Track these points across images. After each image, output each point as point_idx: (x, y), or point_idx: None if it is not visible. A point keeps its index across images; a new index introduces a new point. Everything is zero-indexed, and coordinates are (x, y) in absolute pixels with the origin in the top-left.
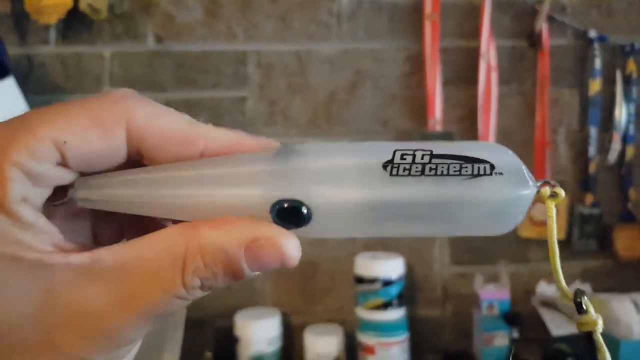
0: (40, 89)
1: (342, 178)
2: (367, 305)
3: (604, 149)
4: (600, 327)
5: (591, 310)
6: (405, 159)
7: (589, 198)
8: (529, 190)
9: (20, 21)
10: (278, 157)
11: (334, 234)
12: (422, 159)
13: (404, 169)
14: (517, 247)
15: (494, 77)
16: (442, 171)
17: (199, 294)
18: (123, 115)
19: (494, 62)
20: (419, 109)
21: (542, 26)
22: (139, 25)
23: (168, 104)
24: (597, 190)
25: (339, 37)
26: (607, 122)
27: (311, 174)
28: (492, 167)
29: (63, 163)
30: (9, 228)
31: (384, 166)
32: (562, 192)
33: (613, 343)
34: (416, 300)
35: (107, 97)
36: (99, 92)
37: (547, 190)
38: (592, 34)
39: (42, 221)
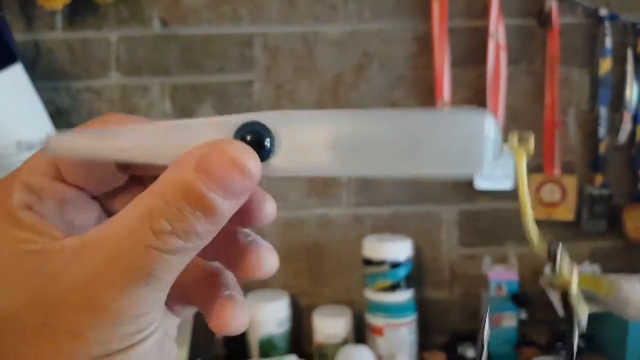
0: (48, 75)
1: (306, 114)
2: (375, 287)
3: (614, 129)
4: (575, 286)
5: (565, 266)
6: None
7: (599, 178)
8: (485, 117)
9: (27, 7)
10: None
11: (296, 170)
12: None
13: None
14: (525, 228)
15: (503, 56)
16: (401, 110)
17: (178, 243)
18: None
19: (502, 41)
20: (427, 90)
21: (552, 4)
22: (144, 9)
23: (174, 88)
24: (607, 171)
25: (345, 18)
26: (617, 102)
27: (274, 113)
28: (453, 110)
29: (59, 177)
30: (14, 230)
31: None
32: (531, 139)
33: (622, 324)
34: (424, 281)
35: (93, 120)
36: (106, 76)
37: (515, 137)
38: (603, 12)
39: (45, 224)
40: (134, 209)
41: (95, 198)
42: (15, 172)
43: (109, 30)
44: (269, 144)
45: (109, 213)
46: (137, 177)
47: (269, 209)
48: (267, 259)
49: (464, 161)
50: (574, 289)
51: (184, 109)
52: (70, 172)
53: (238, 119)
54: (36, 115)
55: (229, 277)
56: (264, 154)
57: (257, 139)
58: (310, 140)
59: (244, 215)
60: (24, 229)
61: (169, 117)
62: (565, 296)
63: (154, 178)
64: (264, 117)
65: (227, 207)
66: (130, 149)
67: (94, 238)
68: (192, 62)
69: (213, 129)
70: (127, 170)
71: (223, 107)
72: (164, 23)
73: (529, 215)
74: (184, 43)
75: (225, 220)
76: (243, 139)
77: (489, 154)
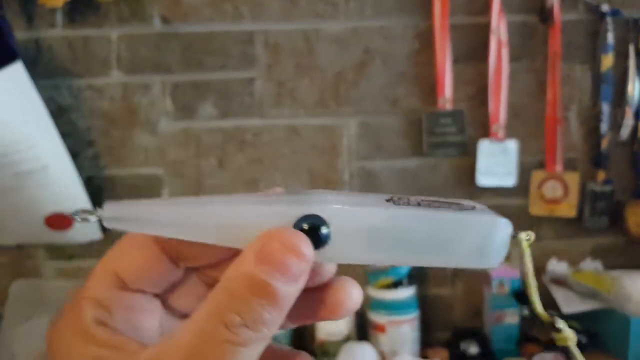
0: (49, 73)
1: (355, 202)
2: (377, 284)
3: (616, 125)
4: (574, 341)
5: (565, 328)
6: (401, 199)
7: (601, 175)
8: (506, 223)
9: (27, 5)
10: (289, 193)
11: (342, 259)
12: (414, 200)
13: (404, 203)
14: (528, 225)
15: (505, 53)
16: (435, 206)
17: (249, 334)
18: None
19: (504, 38)
20: (429, 87)
21: (554, 1)
22: (145, 7)
23: (176, 86)
24: (609, 167)
25: (346, 15)
26: (619, 98)
27: (325, 198)
28: (474, 207)
29: (122, 286)
30: (90, 347)
31: (388, 200)
32: (533, 236)
33: (624, 320)
34: (426, 278)
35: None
36: (107, 75)
37: (522, 235)
38: (605, 8)
39: (119, 338)
40: (204, 310)
41: (155, 296)
42: (83, 288)
43: (110, 28)
44: (324, 234)
45: (170, 309)
46: (192, 268)
47: (355, 297)
48: (353, 294)
49: (486, 257)
50: (574, 346)
51: (185, 107)
52: (133, 277)
53: (298, 211)
54: (37, 114)
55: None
56: (319, 242)
57: (314, 229)
58: (355, 236)
59: (332, 306)
60: (100, 345)
61: (170, 115)
62: (567, 349)
63: (208, 267)
64: (321, 209)
65: (288, 291)
66: (190, 231)
67: (170, 345)
68: (193, 60)
69: (274, 220)
70: (184, 261)
71: (225, 105)
72: (165, 21)
73: (536, 295)
74: (185, 41)
75: (289, 306)
76: (301, 229)
77: (506, 250)
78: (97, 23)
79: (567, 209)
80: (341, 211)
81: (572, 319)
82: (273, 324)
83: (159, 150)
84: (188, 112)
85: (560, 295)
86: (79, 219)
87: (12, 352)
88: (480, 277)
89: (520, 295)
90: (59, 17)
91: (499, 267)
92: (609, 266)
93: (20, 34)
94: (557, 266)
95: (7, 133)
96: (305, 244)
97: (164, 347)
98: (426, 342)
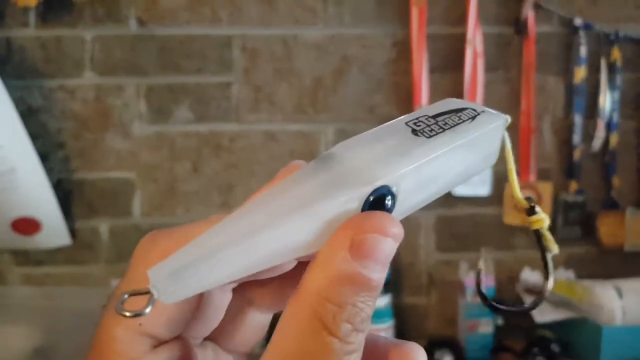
0: (20, 73)
1: (396, 151)
2: None
3: (588, 136)
4: (547, 222)
5: (540, 211)
6: (419, 125)
7: (573, 185)
8: (503, 118)
9: None
10: (321, 166)
11: (401, 216)
12: (428, 121)
13: (430, 130)
14: (502, 234)
15: (480, 63)
16: (451, 123)
17: (363, 335)
18: None
19: (480, 48)
20: (406, 95)
21: (528, 13)
22: (121, 8)
23: (151, 88)
24: (582, 178)
25: (325, 22)
26: (591, 110)
27: (365, 163)
28: (474, 110)
29: (157, 344)
30: None
31: (414, 133)
32: (509, 119)
33: (596, 329)
34: (401, 287)
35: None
36: (80, 76)
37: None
38: (578, 21)
39: None
40: (306, 329)
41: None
42: None
43: (84, 29)
44: (390, 203)
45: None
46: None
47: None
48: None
49: (494, 156)
50: (546, 229)
51: (160, 109)
52: (163, 331)
53: (363, 192)
54: (5, 114)
55: None
56: (388, 210)
57: (381, 199)
58: (411, 190)
59: None
60: None
61: (144, 118)
62: (539, 234)
63: (259, 282)
64: (384, 180)
65: (383, 278)
66: (262, 262)
67: None
68: (169, 62)
69: (341, 209)
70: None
71: (200, 109)
72: (141, 23)
73: (514, 175)
74: (162, 43)
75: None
76: (370, 205)
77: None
78: (71, 23)
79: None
80: (399, 174)
81: (545, 328)
82: (370, 319)
83: (132, 154)
84: (163, 115)
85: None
86: (128, 314)
87: None
88: (454, 286)
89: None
90: (32, 17)
91: (474, 277)
92: (581, 276)
93: None
94: (530, 275)
95: None
96: (392, 222)
97: None
98: None
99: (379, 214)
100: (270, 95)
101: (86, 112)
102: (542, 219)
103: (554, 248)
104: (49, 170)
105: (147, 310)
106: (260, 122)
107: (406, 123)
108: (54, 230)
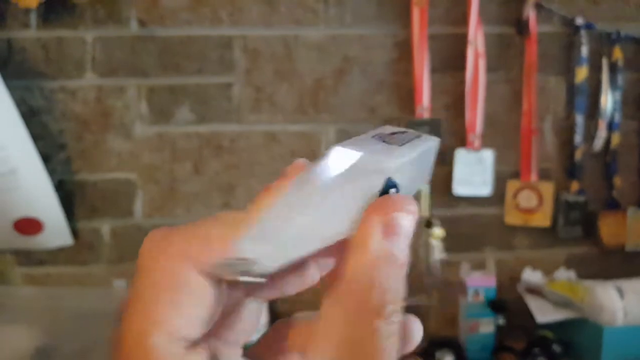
0: (21, 74)
1: (385, 153)
2: None
3: (589, 136)
4: (442, 237)
5: (437, 227)
6: (385, 139)
7: (575, 185)
8: (437, 140)
9: (0, 4)
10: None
11: None
12: (390, 136)
13: (397, 142)
14: (503, 234)
15: (482, 64)
16: (407, 139)
17: (400, 313)
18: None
19: (481, 48)
20: (407, 95)
21: (530, 13)
22: (122, 9)
23: (152, 89)
24: (583, 178)
25: (326, 22)
26: (593, 110)
27: (373, 158)
28: (414, 132)
29: (189, 346)
30: None
31: (386, 142)
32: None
33: (597, 329)
34: None
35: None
36: (81, 77)
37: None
38: (579, 21)
39: None
40: (349, 317)
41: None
42: None
43: (85, 30)
44: (394, 191)
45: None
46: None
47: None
48: (416, 331)
49: (429, 173)
50: (438, 242)
51: (161, 111)
52: (201, 324)
53: (378, 183)
54: (7, 115)
55: None
56: None
57: (388, 189)
58: (405, 181)
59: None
60: None
61: (145, 119)
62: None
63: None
64: (391, 172)
65: (407, 254)
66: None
67: None
68: (170, 63)
69: (366, 194)
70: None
71: (201, 110)
72: (142, 24)
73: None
74: (162, 44)
75: None
76: (385, 190)
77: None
78: (72, 24)
79: (542, 219)
80: (397, 166)
81: (546, 328)
82: None
83: (133, 155)
84: (164, 116)
85: (535, 305)
86: (250, 279)
87: None
88: (455, 286)
89: (495, 304)
90: (33, 18)
91: (475, 277)
92: (582, 276)
93: None
94: (531, 275)
95: None
96: (409, 201)
97: None
98: None
99: (395, 196)
100: (271, 95)
101: (87, 113)
102: (438, 234)
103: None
104: (50, 171)
105: (264, 279)
106: (261, 122)
107: (372, 137)
108: (56, 231)
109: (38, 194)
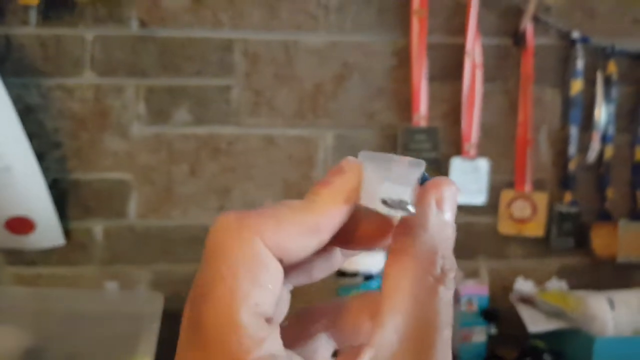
0: (19, 71)
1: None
2: None
3: (583, 148)
4: None
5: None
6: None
7: (568, 196)
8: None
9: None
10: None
11: None
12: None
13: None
14: (497, 243)
15: (479, 74)
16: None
17: (453, 280)
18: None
19: (479, 59)
20: (405, 103)
21: (527, 26)
22: (122, 8)
23: (150, 90)
24: (576, 189)
25: (326, 28)
26: (587, 122)
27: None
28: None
29: (270, 320)
30: None
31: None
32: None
33: (588, 340)
34: None
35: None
36: (79, 75)
37: None
38: (575, 35)
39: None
40: (416, 284)
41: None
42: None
43: (85, 29)
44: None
45: None
46: None
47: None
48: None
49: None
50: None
51: (159, 111)
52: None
53: (417, 173)
54: (2, 112)
55: None
56: None
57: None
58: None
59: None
60: None
61: (143, 120)
62: None
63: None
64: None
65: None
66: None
67: (388, 341)
68: (169, 64)
69: (410, 178)
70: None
71: (200, 112)
72: (143, 24)
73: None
74: (162, 45)
75: None
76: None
77: None
78: (71, 23)
79: (535, 229)
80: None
81: (537, 338)
82: None
83: (129, 155)
84: (162, 117)
85: (527, 314)
86: (412, 210)
87: None
88: None
89: (488, 313)
90: (33, 15)
91: (469, 286)
92: (575, 286)
93: None
94: (523, 285)
95: None
96: (450, 180)
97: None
98: None
99: (439, 177)
100: (270, 99)
101: (84, 112)
102: None
103: None
104: (44, 170)
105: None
106: (259, 126)
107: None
108: (48, 230)
109: (31, 193)
